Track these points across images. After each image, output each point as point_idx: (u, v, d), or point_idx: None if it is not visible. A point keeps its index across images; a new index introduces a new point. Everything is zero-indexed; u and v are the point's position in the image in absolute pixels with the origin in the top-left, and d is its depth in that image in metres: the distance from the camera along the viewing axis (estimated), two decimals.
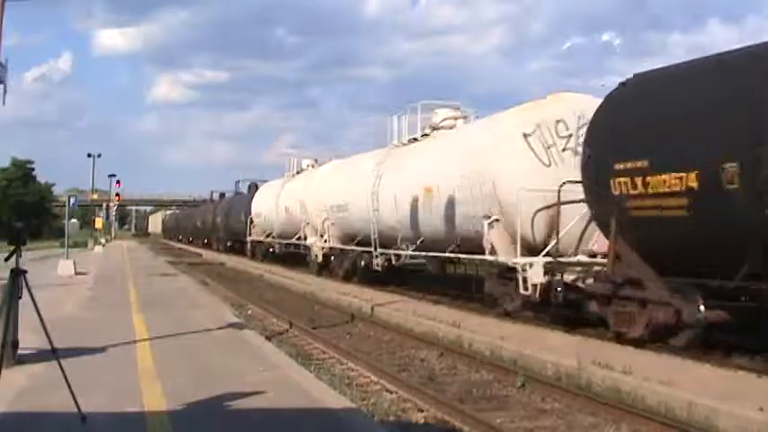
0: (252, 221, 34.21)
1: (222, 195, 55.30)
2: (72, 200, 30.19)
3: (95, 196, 62.63)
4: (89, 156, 58.96)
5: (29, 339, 7.46)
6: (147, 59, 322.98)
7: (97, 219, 54.82)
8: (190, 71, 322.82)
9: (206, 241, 52.21)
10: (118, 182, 58.08)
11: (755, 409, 6.45)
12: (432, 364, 10.33)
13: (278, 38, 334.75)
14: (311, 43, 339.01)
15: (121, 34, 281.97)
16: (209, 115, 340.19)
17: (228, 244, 43.08)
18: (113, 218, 73.08)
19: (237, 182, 50.82)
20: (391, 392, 8.55)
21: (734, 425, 6.44)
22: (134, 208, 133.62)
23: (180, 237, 73.42)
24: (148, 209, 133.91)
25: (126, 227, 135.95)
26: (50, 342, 5.72)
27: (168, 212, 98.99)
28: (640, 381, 7.78)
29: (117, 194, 60.60)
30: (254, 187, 41.20)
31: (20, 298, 6.04)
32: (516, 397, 8.40)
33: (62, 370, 5.52)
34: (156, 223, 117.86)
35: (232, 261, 35.52)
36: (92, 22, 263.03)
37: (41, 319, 5.74)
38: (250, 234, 34.54)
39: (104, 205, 64.00)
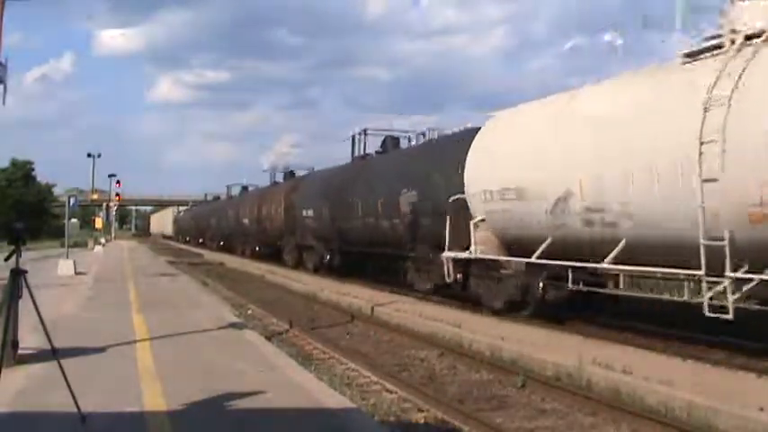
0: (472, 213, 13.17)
1: (291, 173, 34.91)
2: (72, 200, 30.01)
3: (95, 196, 62.52)
4: (89, 156, 58.94)
5: (29, 339, 7.49)
6: (148, 60, 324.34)
7: (97, 219, 54.85)
8: (191, 71, 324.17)
9: (257, 248, 34.60)
10: (118, 182, 57.96)
11: (755, 409, 6.45)
12: (432, 364, 10.33)
13: (279, 38, 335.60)
14: (312, 44, 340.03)
15: (122, 34, 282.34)
16: (210, 115, 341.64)
17: (337, 258, 23.11)
18: (113, 218, 72.99)
19: (356, 135, 24.21)
20: (391, 392, 8.55)
21: (734, 425, 6.43)
22: (134, 208, 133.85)
23: (201, 240, 58.77)
24: (149, 209, 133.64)
25: (126, 227, 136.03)
26: (50, 342, 5.71)
27: (183, 208, 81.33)
28: (640, 381, 7.78)
29: (117, 194, 60.49)
30: (430, 139, 19.13)
31: (20, 298, 6.04)
32: (516, 397, 8.40)
33: (62, 370, 5.51)
34: (160, 223, 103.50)
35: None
36: (93, 22, 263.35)
37: (41, 319, 5.74)
38: (462, 245, 13.29)
39: (104, 205, 63.94)
